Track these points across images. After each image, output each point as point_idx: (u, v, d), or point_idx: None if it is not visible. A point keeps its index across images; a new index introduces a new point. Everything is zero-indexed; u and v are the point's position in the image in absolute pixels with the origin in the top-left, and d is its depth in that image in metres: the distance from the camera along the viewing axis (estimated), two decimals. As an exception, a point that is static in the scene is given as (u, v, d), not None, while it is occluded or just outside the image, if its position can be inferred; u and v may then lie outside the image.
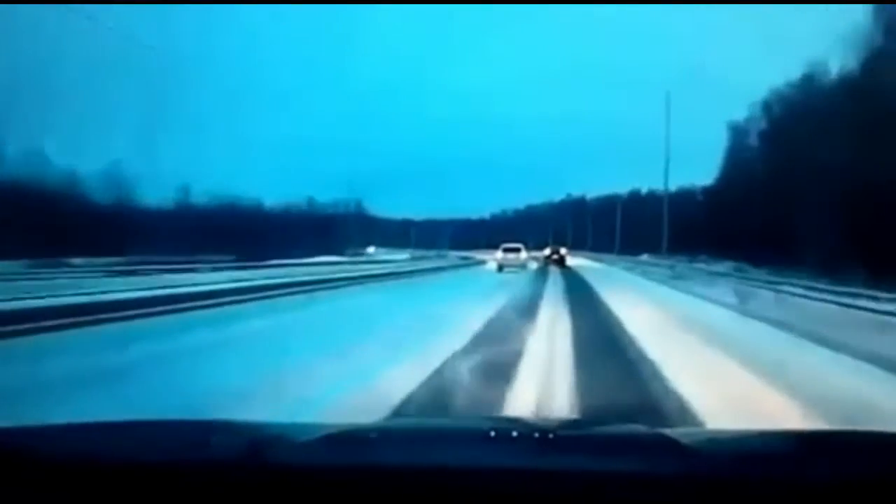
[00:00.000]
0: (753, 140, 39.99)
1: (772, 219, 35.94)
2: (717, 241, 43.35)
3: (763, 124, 38.47)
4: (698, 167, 69.29)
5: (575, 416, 4.95)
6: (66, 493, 1.22)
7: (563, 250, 42.81)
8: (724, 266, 33.86)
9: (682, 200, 71.22)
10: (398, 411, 4.91)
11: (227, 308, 12.78)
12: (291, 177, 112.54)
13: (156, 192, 42.83)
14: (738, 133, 41.18)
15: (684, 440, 1.56)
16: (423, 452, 1.47)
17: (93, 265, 25.49)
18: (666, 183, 38.27)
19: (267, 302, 14.26)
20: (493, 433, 1.81)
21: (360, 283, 21.63)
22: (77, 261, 26.92)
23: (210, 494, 1.21)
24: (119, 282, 16.75)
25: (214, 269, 28.04)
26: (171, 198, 44.08)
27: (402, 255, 63.37)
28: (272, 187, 73.70)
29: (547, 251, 42.71)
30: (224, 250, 35.81)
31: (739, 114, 41.38)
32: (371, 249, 78.38)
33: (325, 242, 48.23)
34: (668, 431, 1.79)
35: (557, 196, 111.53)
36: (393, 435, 1.85)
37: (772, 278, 20.47)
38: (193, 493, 1.21)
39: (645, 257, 50.32)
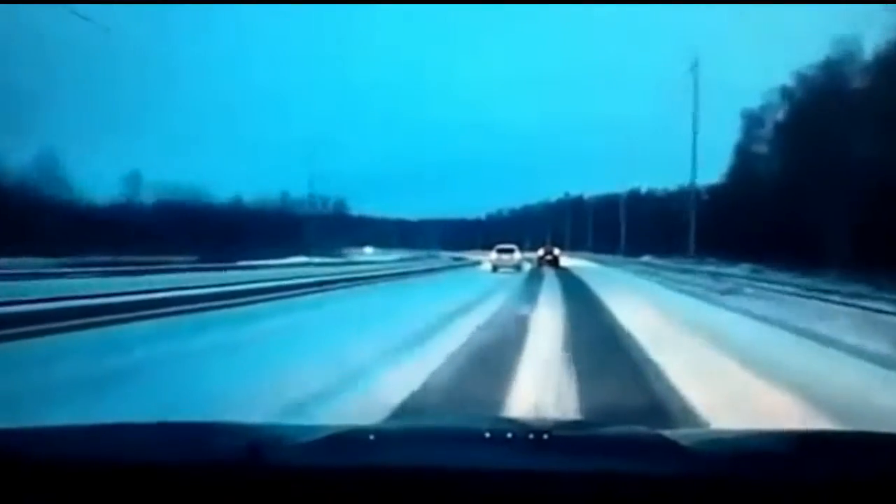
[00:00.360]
0: (769, 131, 36.71)
1: (790, 217, 32.87)
2: (724, 241, 40.52)
3: (781, 112, 35.19)
4: (700, 166, 66.67)
5: (574, 417, 4.62)
6: (63, 495, 1.21)
7: (556, 251, 41.81)
8: (738, 269, 30.62)
9: (685, 200, 69.25)
10: None
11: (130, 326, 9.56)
12: (281, 177, 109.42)
13: (108, 186, 39.26)
14: (752, 122, 37.84)
15: (683, 441, 1.53)
16: (421, 453, 1.47)
17: (10, 266, 22.09)
18: (693, 174, 34.95)
19: (199, 315, 11.14)
20: (489, 434, 1.76)
21: (331, 289, 18.31)
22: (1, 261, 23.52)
23: (209, 496, 1.21)
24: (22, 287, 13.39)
25: (170, 271, 24.86)
26: (124, 192, 40.50)
27: (389, 256, 60.11)
28: (258, 188, 69.44)
29: (540, 252, 41.49)
30: (187, 250, 32.35)
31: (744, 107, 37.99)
32: (368, 250, 76.14)
33: (302, 242, 44.33)
34: (666, 432, 1.66)
35: (554, 195, 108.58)
36: (392, 436, 1.80)
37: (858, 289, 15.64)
38: (192, 494, 1.21)
39: (647, 258, 47.98)
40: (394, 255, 63.59)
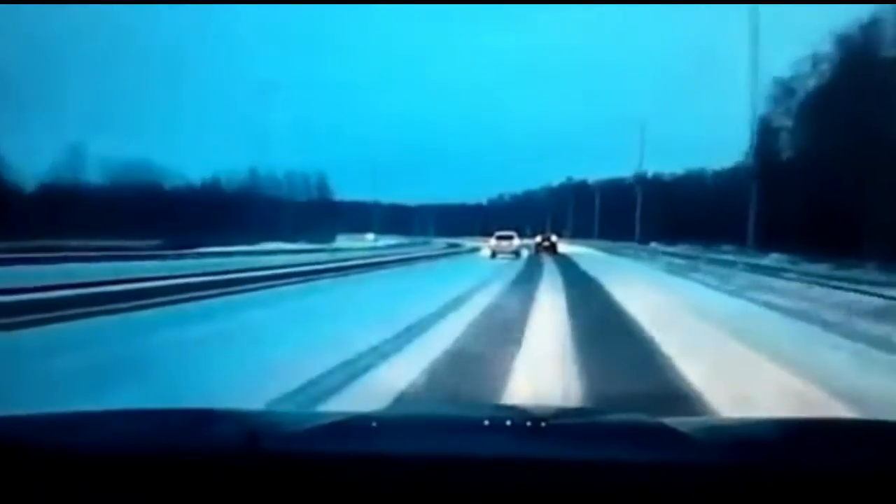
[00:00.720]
0: (798, 104, 33.02)
1: (822, 200, 29.39)
2: (744, 228, 37.17)
3: (813, 81, 31.48)
4: (703, 152, 64.86)
5: (575, 404, 4.61)
6: (62, 482, 1.20)
7: (553, 237, 43.89)
8: (769, 259, 27.12)
9: (690, 185, 66.26)
10: None
11: None
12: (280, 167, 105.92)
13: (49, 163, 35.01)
14: (779, 94, 34.01)
15: (684, 428, 1.50)
16: (419, 441, 1.46)
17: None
18: (754, 138, 30.58)
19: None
20: (489, 422, 1.74)
21: (284, 284, 15.19)
22: None
23: (208, 483, 1.19)
24: None
25: (119, 259, 21.81)
26: (68, 168, 36.04)
27: (380, 242, 56.80)
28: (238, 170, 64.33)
29: (538, 238, 43.54)
30: (147, 234, 28.68)
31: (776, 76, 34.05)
32: (370, 236, 75.26)
33: (282, 227, 40.46)
34: (667, 420, 1.61)
35: (557, 180, 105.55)
36: (390, 423, 1.74)
37: None
38: (191, 481, 1.20)
39: (653, 245, 45.45)
40: (385, 241, 60.40)
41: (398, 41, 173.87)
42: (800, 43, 31.10)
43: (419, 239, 78.00)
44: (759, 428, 1.70)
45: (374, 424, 1.61)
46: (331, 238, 46.58)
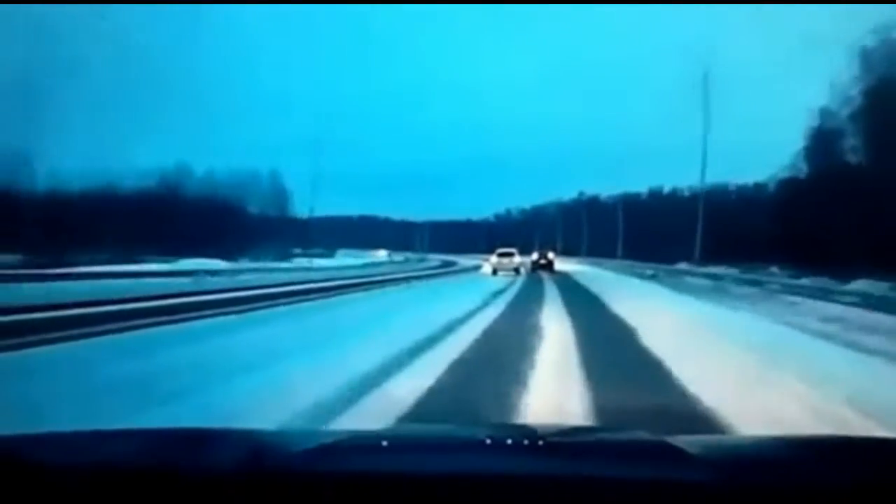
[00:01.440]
0: (877, 83, 25.48)
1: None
2: (794, 247, 29.96)
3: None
4: (724, 166, 58.82)
5: (579, 422, 4.55)
6: (66, 501, 1.20)
7: (550, 255, 42.32)
8: (858, 285, 19.51)
9: (715, 199, 60.09)
10: None
11: None
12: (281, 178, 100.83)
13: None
14: (860, 71, 26.32)
15: (684, 446, 1.49)
16: (422, 460, 1.47)
17: None
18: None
19: None
20: (491, 440, 1.72)
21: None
22: None
23: (210, 503, 1.20)
24: None
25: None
26: None
27: (358, 260, 49.79)
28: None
29: (534, 256, 41.77)
30: (5, 247, 21.37)
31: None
32: (382, 252, 72.37)
33: (216, 239, 32.23)
34: (669, 438, 1.60)
35: (567, 195, 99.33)
36: (393, 442, 1.74)
37: None
38: (193, 501, 1.20)
39: (683, 265, 39.22)
40: (364, 259, 53.57)
41: (405, 60, 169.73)
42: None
43: (415, 256, 72.58)
44: (761, 446, 1.68)
45: (376, 443, 1.60)
46: (289, 255, 39.06)
